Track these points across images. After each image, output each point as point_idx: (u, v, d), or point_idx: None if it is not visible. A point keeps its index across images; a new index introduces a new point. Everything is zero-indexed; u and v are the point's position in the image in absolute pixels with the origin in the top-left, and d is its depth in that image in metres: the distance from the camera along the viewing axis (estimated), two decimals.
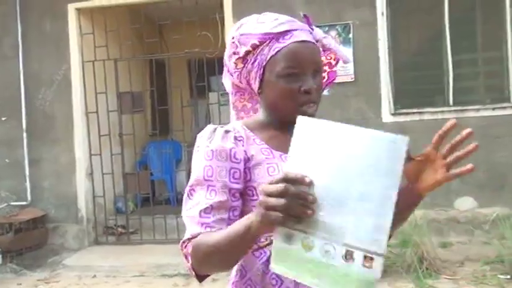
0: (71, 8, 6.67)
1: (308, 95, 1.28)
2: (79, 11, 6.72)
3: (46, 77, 6.74)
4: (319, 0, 6.22)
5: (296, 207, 0.96)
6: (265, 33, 1.28)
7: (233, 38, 1.33)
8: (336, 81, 5.66)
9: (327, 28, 6.19)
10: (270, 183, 0.99)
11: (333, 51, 1.43)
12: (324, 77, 1.51)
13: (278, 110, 1.31)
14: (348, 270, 0.96)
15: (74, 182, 6.71)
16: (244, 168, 1.27)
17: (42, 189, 6.78)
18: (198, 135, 1.33)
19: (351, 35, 6.15)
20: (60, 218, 6.74)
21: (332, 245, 0.96)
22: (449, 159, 1.23)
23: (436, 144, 1.25)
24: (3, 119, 6.86)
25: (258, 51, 1.29)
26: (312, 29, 1.34)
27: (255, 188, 1.26)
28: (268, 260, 1.19)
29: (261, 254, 1.27)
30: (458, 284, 4.67)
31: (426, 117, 6.07)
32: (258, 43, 1.28)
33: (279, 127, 1.34)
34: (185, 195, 1.29)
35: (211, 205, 1.24)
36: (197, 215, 1.24)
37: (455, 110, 6.02)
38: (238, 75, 1.35)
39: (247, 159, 1.28)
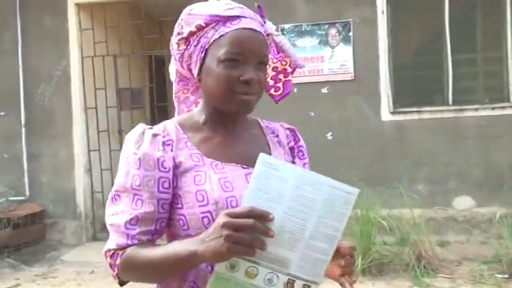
0: (71, 3, 6.66)
1: (247, 86, 1.20)
2: (79, 6, 6.70)
3: (45, 72, 6.73)
4: None
5: (257, 241, 1.01)
6: (212, 15, 1.21)
7: (181, 19, 1.27)
8: (335, 79, 5.71)
9: (327, 26, 6.19)
10: (234, 216, 1.01)
11: (286, 53, 1.37)
12: (279, 88, 1.45)
13: (214, 97, 1.24)
14: None
15: (73, 177, 6.71)
16: (172, 175, 1.22)
17: (40, 185, 6.77)
18: (126, 137, 1.27)
19: (351, 33, 6.14)
20: (59, 213, 6.74)
21: (276, 274, 1.06)
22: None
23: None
24: (2, 113, 6.85)
25: (202, 34, 1.22)
26: (264, 22, 1.28)
27: (180, 197, 1.20)
28: None
29: None
30: (455, 283, 4.68)
31: (425, 116, 6.07)
32: (203, 24, 1.21)
33: (215, 126, 1.28)
34: (109, 199, 1.24)
35: (136, 216, 1.19)
36: (122, 224, 1.19)
37: (454, 110, 6.02)
38: (180, 57, 1.28)
39: (175, 166, 1.22)
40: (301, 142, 1.44)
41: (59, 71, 6.71)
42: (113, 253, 1.20)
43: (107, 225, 1.23)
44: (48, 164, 6.76)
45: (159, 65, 7.20)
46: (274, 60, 1.41)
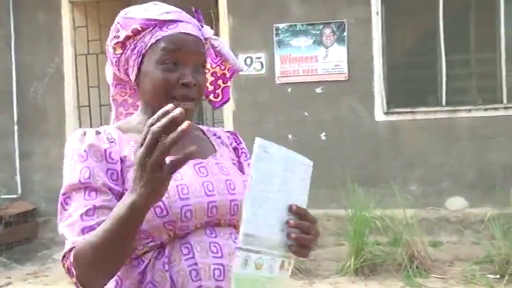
0: (65, 1, 6.63)
1: (186, 89, 1.18)
2: (72, 4, 6.68)
3: (38, 69, 6.69)
4: None
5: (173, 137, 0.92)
6: (149, 19, 1.20)
7: (118, 22, 1.25)
8: (329, 79, 5.74)
9: (321, 26, 6.19)
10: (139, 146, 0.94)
11: (224, 57, 1.35)
12: (218, 95, 1.43)
13: (153, 102, 1.20)
14: (281, 278, 1.09)
15: None
16: (120, 169, 1.17)
17: (32, 183, 6.74)
18: (68, 141, 1.22)
19: (345, 33, 6.15)
20: (51, 211, 6.69)
21: (275, 259, 1.06)
22: None
23: None
24: None
25: (138, 38, 1.21)
26: (202, 26, 1.26)
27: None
28: (145, 269, 1.15)
29: (139, 263, 1.16)
30: (447, 283, 4.69)
31: (419, 116, 6.08)
32: (139, 28, 1.20)
33: None
34: (59, 207, 1.17)
35: (93, 205, 1.12)
36: (78, 219, 1.11)
37: (447, 110, 6.04)
38: (116, 61, 1.26)
39: (121, 160, 1.18)
40: (243, 144, 1.42)
41: (52, 69, 6.68)
42: (68, 255, 1.09)
43: (62, 233, 1.15)
44: (41, 162, 6.73)
45: None
46: (213, 65, 1.40)
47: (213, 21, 6.44)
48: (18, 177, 6.72)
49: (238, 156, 1.38)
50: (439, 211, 6.00)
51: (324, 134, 6.20)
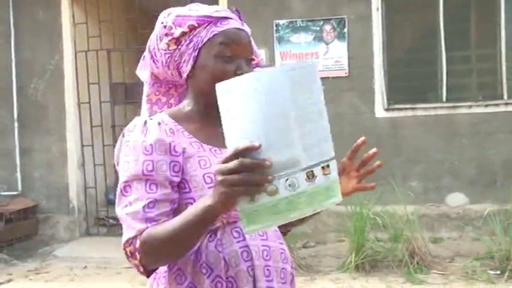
0: None
1: None
2: (72, 0, 6.66)
3: (38, 66, 6.68)
4: None
5: (255, 176, 1.00)
6: (204, 16, 1.31)
7: (166, 22, 1.34)
8: (329, 75, 5.75)
9: (322, 22, 6.18)
10: (223, 162, 1.02)
11: (255, 53, 1.43)
12: None
13: (209, 92, 1.24)
14: (315, 186, 1.05)
15: (66, 172, 6.68)
16: (182, 160, 1.28)
17: (33, 180, 6.74)
18: (127, 129, 1.30)
19: (345, 30, 6.14)
20: (51, 208, 6.71)
21: (293, 177, 1.03)
22: (361, 172, 1.48)
23: (351, 156, 1.47)
24: None
25: (194, 33, 1.31)
26: (243, 24, 1.37)
27: (187, 181, 1.26)
28: (199, 250, 1.26)
29: None
30: (448, 279, 4.70)
31: (419, 113, 6.08)
32: (196, 24, 1.30)
33: (206, 118, 1.34)
34: (119, 193, 1.25)
35: (155, 198, 1.22)
36: (140, 210, 1.21)
37: (447, 107, 6.04)
38: (168, 57, 1.34)
39: (182, 152, 1.28)
40: None
41: (52, 66, 6.67)
42: (132, 240, 1.20)
43: (121, 219, 1.24)
44: (41, 159, 6.73)
45: None
46: None
47: None
48: (18, 174, 6.72)
49: None
50: (440, 207, 6.00)
51: None
